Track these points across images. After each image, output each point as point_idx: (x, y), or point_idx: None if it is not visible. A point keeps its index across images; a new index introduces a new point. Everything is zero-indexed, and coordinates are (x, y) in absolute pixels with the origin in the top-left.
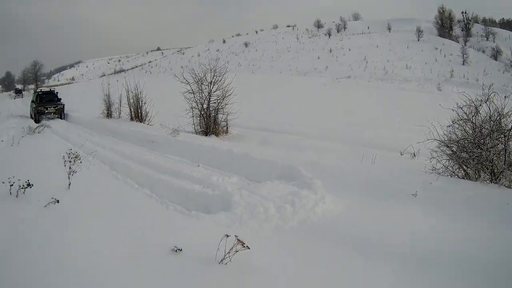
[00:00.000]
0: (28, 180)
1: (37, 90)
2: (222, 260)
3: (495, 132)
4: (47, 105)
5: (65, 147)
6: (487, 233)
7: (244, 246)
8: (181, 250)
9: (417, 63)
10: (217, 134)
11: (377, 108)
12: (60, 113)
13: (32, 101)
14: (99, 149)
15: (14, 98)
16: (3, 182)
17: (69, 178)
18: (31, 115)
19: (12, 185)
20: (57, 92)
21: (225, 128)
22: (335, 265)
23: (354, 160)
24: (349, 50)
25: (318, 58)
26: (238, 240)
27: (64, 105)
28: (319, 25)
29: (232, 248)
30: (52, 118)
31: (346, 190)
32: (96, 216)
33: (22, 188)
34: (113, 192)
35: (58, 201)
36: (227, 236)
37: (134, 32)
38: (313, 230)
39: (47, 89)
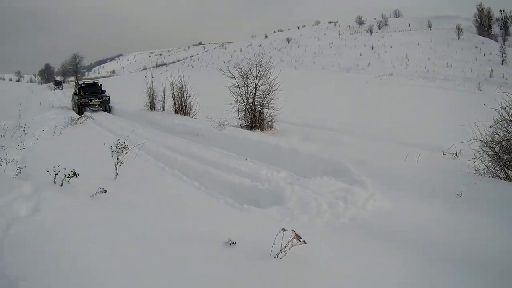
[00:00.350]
0: (74, 169)
1: (80, 82)
2: (277, 255)
3: None
4: (91, 97)
5: (108, 138)
6: None
7: (300, 241)
8: (235, 243)
9: (457, 62)
10: (262, 129)
11: (419, 107)
12: (105, 106)
13: (74, 94)
14: (143, 140)
15: (54, 90)
16: (47, 171)
17: (116, 168)
18: (73, 107)
19: (57, 174)
20: (101, 84)
21: (269, 123)
22: (389, 264)
23: (398, 159)
24: (391, 47)
25: (360, 55)
26: (296, 234)
27: (109, 97)
28: (360, 22)
29: (288, 242)
30: (96, 111)
31: (393, 188)
32: (146, 208)
33: (68, 177)
34: (161, 184)
35: (105, 191)
36: (284, 230)
37: (175, 26)
38: (364, 227)
39: (90, 81)
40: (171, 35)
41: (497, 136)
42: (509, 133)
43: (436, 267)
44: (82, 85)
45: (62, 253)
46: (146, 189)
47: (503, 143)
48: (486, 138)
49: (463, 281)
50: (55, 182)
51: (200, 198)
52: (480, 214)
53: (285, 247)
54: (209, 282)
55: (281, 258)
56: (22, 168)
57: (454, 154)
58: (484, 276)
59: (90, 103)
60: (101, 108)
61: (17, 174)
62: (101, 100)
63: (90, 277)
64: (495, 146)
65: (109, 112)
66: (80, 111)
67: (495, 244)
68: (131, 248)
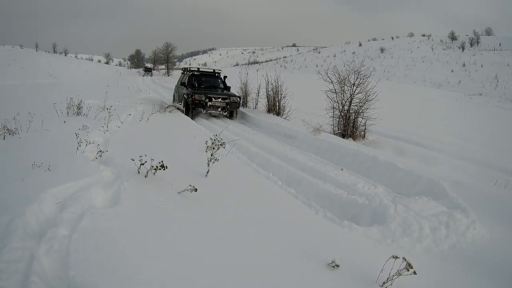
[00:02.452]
0: (162, 161)
1: (192, 68)
2: (384, 284)
3: None
4: (211, 94)
5: (198, 130)
6: None
7: (409, 270)
8: (338, 266)
9: None
10: (354, 138)
11: (506, 130)
12: (232, 111)
13: (182, 84)
14: (234, 137)
15: (143, 76)
16: (133, 159)
17: (208, 165)
18: (175, 103)
19: (143, 164)
20: (225, 76)
21: (362, 132)
22: None
23: (488, 182)
24: (481, 66)
25: (452, 71)
26: (408, 263)
27: (240, 98)
28: (453, 37)
29: (398, 271)
30: (216, 116)
31: (489, 215)
32: (239, 214)
33: (155, 169)
34: (254, 187)
35: (195, 190)
36: (396, 257)
37: (270, 26)
38: (462, 257)
39: (209, 69)
40: (265, 35)
41: None
42: None
43: None
44: (196, 72)
45: (141, 258)
46: (239, 191)
47: None
48: None
49: None
50: (139, 172)
51: (298, 208)
52: None
53: (394, 276)
54: None
55: (387, 287)
56: (103, 152)
57: None
58: None
59: (209, 104)
60: (225, 114)
61: (96, 158)
62: (227, 101)
63: None
64: None
65: (235, 118)
66: (189, 112)
67: None
68: (220, 260)
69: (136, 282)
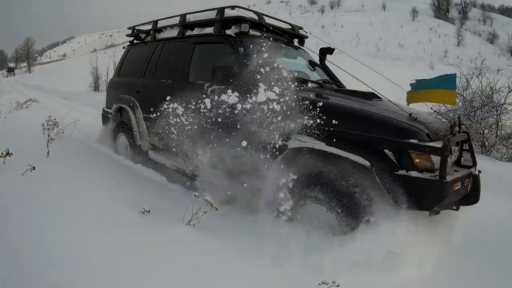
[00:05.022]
0: (7, 149)
1: (244, 16)
2: (189, 221)
3: (486, 106)
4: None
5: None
6: None
7: (212, 207)
8: (149, 212)
9: (410, 42)
10: None
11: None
12: None
13: (220, 88)
14: (84, 119)
15: (6, 77)
16: None
17: (47, 146)
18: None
19: None
20: (329, 49)
21: None
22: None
23: None
24: (342, 27)
25: (310, 33)
26: (206, 200)
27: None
28: (312, 1)
29: (199, 208)
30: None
31: None
32: (69, 180)
33: (1, 157)
34: (90, 159)
35: (34, 168)
36: (196, 196)
37: (127, 5)
38: None
39: (283, 24)
40: (122, 14)
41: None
42: (456, 105)
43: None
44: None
45: None
46: (76, 164)
47: (450, 114)
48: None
49: None
50: None
51: (118, 170)
52: None
53: (196, 213)
54: (120, 249)
55: (193, 224)
56: None
57: None
58: None
59: (455, 186)
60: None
61: None
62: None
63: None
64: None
65: None
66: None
67: None
68: (47, 221)
69: None
